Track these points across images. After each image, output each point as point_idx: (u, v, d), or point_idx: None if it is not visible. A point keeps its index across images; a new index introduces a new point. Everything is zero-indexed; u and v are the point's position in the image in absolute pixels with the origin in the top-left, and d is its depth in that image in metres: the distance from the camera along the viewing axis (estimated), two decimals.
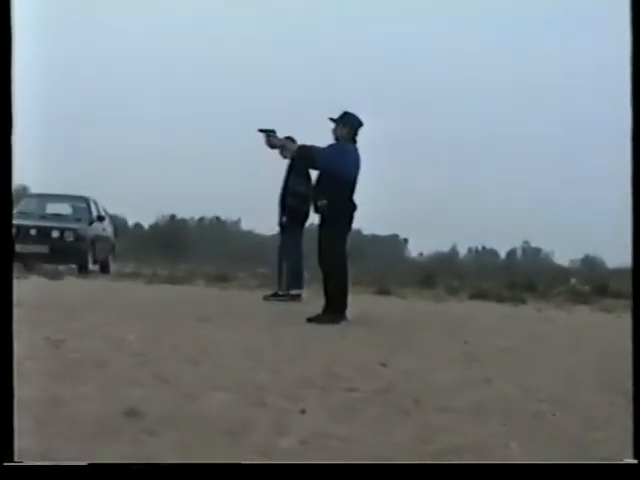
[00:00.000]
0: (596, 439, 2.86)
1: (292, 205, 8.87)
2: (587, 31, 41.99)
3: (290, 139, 8.54)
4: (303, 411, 3.06)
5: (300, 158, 7.53)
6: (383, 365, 4.40)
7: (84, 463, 2.21)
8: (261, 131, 7.08)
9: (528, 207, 48.44)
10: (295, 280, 9.08)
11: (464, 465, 2.39)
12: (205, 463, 2.29)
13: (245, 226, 49.16)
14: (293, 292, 9.02)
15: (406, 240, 48.21)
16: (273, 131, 7.11)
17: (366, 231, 37.00)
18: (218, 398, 3.20)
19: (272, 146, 7.13)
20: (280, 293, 9.11)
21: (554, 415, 3.28)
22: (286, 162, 8.90)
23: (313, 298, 8.40)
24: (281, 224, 9.19)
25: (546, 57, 50.01)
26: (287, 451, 2.50)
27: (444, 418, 3.10)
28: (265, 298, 9.10)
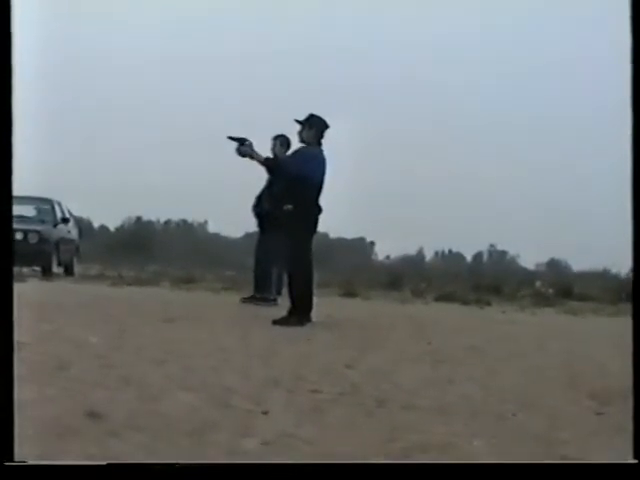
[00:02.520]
0: (561, 439, 2.87)
1: (270, 210, 8.75)
2: (586, 30, 42.09)
3: (284, 137, 8.54)
4: (266, 412, 3.05)
5: (268, 168, 7.59)
6: (349, 367, 4.40)
7: (84, 463, 2.19)
8: (231, 139, 6.93)
9: (494, 211, 48.73)
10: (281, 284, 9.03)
11: (462, 465, 2.39)
12: (226, 463, 2.27)
13: (212, 229, 49.01)
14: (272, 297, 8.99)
15: (373, 243, 48.36)
16: (244, 139, 6.98)
17: (333, 234, 36.94)
18: (182, 399, 3.17)
19: (242, 155, 7.05)
20: (271, 298, 9.03)
21: (514, 415, 3.29)
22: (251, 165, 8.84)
23: (281, 300, 8.40)
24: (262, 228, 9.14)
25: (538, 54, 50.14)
26: (250, 452, 2.49)
27: (409, 417, 3.10)
28: (243, 300, 9.09)
